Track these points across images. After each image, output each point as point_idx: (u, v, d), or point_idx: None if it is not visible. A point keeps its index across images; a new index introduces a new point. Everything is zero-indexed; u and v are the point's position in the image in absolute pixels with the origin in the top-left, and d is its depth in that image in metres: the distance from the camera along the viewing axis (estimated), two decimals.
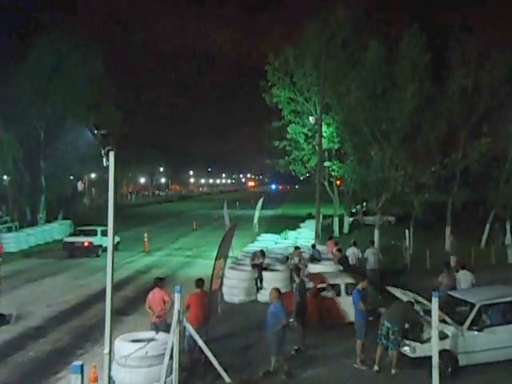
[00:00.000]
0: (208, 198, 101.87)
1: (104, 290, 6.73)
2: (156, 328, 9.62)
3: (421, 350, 9.59)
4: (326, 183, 31.42)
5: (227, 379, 8.40)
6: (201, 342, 8.45)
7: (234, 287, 15.40)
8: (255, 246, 21.10)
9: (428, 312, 9.10)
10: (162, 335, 8.84)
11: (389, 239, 24.49)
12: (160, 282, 10.66)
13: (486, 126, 24.96)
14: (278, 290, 9.89)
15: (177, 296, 8.20)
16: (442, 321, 9.47)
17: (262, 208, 33.05)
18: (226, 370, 8.45)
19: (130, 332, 9.53)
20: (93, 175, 58.47)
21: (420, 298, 10.20)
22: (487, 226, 26.22)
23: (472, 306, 10.21)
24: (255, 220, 29.60)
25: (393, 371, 9.81)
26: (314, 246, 18.69)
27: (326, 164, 29.68)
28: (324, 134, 27.77)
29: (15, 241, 26.63)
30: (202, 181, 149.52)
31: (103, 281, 7.45)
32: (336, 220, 33.65)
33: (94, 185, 63.63)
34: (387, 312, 10.21)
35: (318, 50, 27.29)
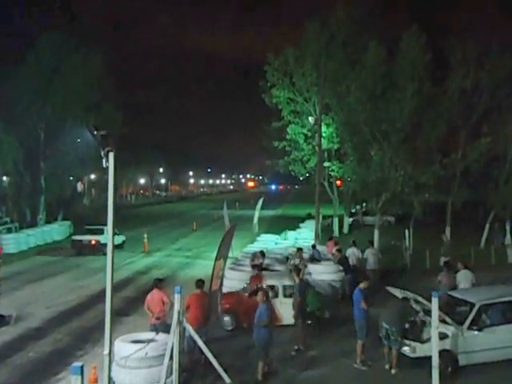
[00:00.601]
0: (208, 198, 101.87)
1: (104, 291, 6.72)
2: (155, 330, 9.59)
3: (421, 349, 9.60)
4: (326, 183, 31.45)
5: (227, 380, 8.39)
6: (201, 343, 8.43)
7: (234, 288, 15.36)
8: (255, 247, 21.03)
9: (428, 312, 9.09)
10: (161, 336, 8.82)
11: (389, 239, 24.48)
12: (159, 283, 10.66)
13: (485, 126, 24.99)
14: (265, 292, 9.94)
15: (177, 297, 8.19)
16: (442, 321, 9.47)
17: (262, 208, 33.07)
18: (226, 371, 8.44)
19: (129, 333, 9.52)
20: (92, 176, 58.39)
21: (420, 298, 10.19)
22: (487, 226, 26.24)
23: (472, 305, 10.22)
24: (255, 220, 29.59)
25: (393, 371, 9.83)
26: (314, 247, 18.66)
27: (326, 164, 29.70)
28: (324, 135, 27.80)
29: (15, 242, 26.60)
30: (202, 181, 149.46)
31: (103, 282, 7.44)
32: (336, 220, 33.68)
33: (93, 185, 63.55)
34: (385, 313, 10.19)
35: (318, 51, 27.37)
